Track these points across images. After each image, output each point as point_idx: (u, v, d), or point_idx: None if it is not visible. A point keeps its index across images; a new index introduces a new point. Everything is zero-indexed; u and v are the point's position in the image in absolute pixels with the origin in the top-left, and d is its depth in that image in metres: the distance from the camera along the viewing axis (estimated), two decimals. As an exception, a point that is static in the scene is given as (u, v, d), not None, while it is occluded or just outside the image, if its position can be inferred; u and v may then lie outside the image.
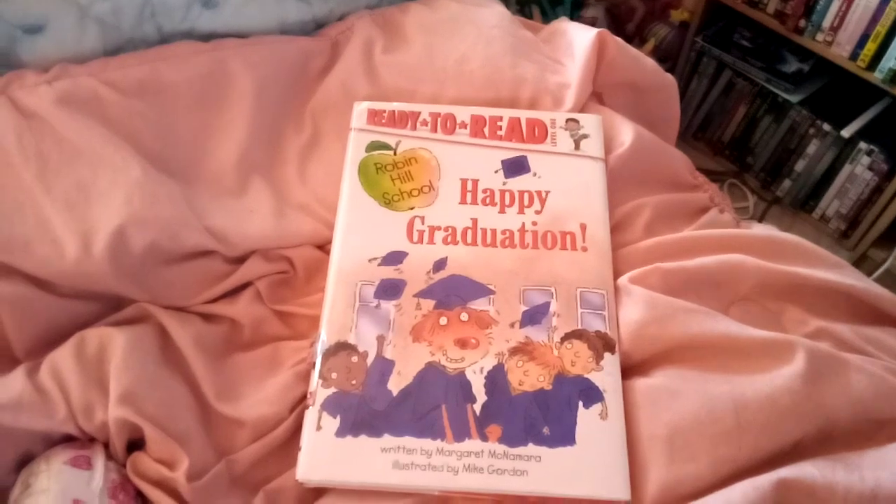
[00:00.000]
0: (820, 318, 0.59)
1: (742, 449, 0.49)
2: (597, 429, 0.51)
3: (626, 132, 0.67)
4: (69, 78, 0.58)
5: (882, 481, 0.47)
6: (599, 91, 0.72)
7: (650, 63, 0.74)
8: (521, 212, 0.61)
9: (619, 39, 0.72)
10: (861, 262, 1.44)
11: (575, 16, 1.64)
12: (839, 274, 0.60)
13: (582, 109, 0.68)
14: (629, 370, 0.55)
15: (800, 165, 1.50)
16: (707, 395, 0.51)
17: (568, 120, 0.66)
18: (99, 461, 0.47)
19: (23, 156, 0.54)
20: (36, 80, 0.58)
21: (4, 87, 0.57)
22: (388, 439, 0.50)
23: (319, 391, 0.52)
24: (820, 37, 1.35)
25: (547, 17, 1.62)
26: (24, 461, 0.48)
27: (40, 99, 0.57)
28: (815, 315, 0.59)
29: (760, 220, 1.55)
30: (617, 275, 0.59)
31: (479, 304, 0.56)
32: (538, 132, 0.65)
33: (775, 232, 0.65)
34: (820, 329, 0.58)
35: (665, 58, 1.65)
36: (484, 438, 0.50)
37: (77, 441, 0.49)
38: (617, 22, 1.73)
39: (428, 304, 0.56)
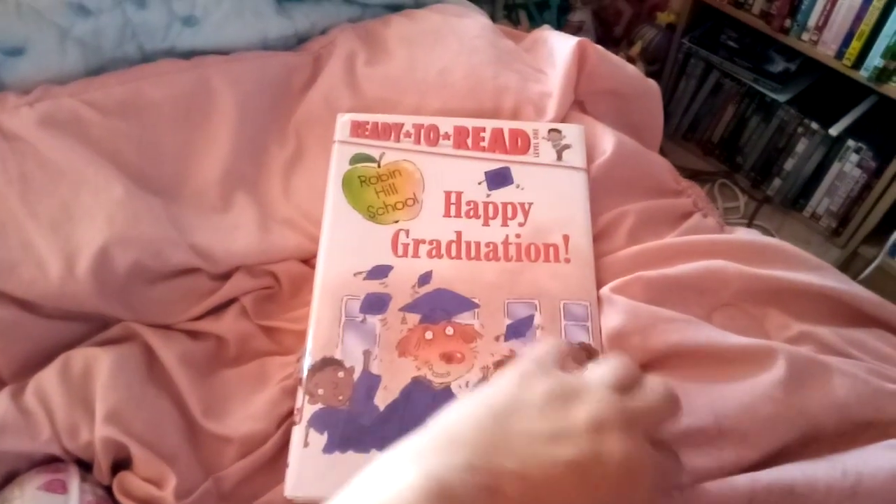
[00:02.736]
0: (802, 321, 0.59)
1: (724, 457, 0.49)
2: None
3: (608, 140, 0.67)
4: (50, 99, 0.59)
5: (863, 477, 0.47)
6: (582, 99, 0.72)
7: (632, 70, 0.75)
8: (504, 224, 0.61)
9: (599, 47, 0.72)
10: (852, 260, 1.45)
11: (562, 20, 1.64)
12: (821, 277, 0.61)
13: (564, 118, 0.69)
14: (613, 380, 0.55)
15: (789, 164, 1.51)
16: (689, 405, 0.51)
17: (550, 130, 0.66)
18: (74, 484, 0.47)
19: (6, 178, 0.55)
20: (17, 101, 0.58)
21: None
22: (375, 454, 0.50)
23: (306, 407, 0.52)
24: (805, 36, 1.36)
25: (534, 22, 1.62)
26: (8, 481, 0.48)
27: (22, 121, 0.57)
28: (798, 319, 0.59)
29: (751, 219, 1.56)
30: (600, 284, 0.59)
31: (464, 318, 0.56)
32: (521, 143, 0.65)
33: (757, 236, 0.66)
34: (802, 333, 0.58)
35: (653, 60, 1.66)
36: None
37: (51, 465, 0.49)
38: (604, 25, 1.74)
39: (413, 318, 0.56)
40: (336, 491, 0.49)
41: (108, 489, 0.51)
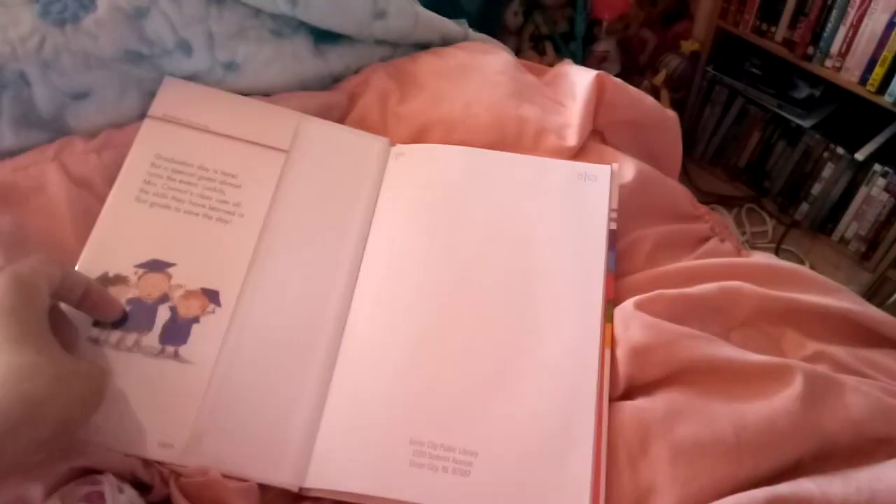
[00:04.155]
0: (818, 341, 0.61)
1: (742, 469, 0.52)
2: None
3: (628, 168, 0.70)
4: (113, 149, 0.64)
5: (878, 493, 0.49)
6: (601, 130, 0.76)
7: (649, 101, 0.78)
8: None
9: (617, 80, 0.75)
10: (882, 284, 1.44)
11: (587, 50, 1.68)
12: (836, 298, 0.63)
13: (583, 147, 0.72)
14: (633, 392, 0.57)
15: (816, 189, 1.51)
16: (708, 418, 0.54)
17: None
18: (111, 495, 0.49)
19: (73, 219, 0.60)
20: (85, 147, 0.64)
21: (57, 154, 0.63)
22: None
23: None
24: (828, 63, 1.38)
25: (560, 52, 1.66)
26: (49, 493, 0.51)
27: (90, 168, 0.63)
28: (813, 339, 0.61)
29: (779, 243, 1.56)
30: (620, 302, 0.62)
31: None
32: None
33: (774, 260, 0.68)
34: (818, 352, 0.60)
35: (677, 87, 1.69)
36: None
37: (89, 476, 0.51)
38: (629, 54, 1.77)
39: None
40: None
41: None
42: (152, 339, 0.56)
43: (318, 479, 0.53)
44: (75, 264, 0.58)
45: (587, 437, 0.54)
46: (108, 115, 0.65)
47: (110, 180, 0.61)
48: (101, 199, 0.61)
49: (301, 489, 0.53)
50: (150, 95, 0.65)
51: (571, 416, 0.55)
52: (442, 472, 0.52)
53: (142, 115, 0.64)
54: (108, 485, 0.50)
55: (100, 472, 0.52)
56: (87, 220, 0.60)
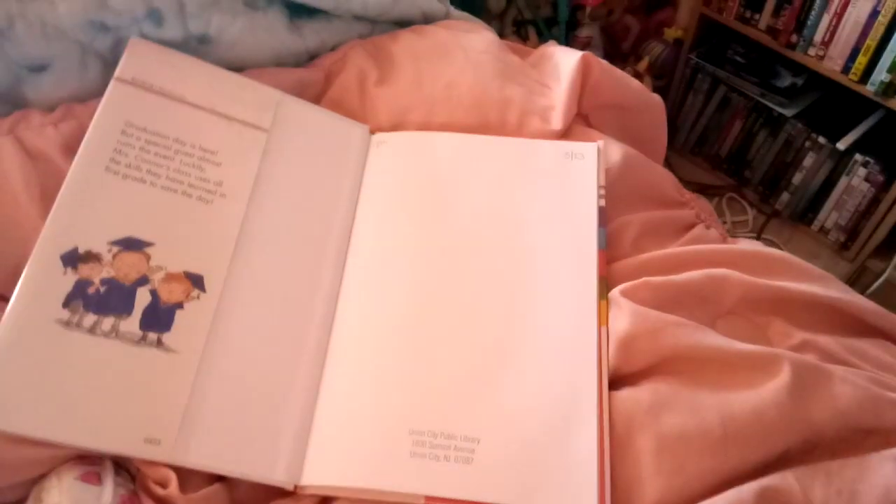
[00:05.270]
0: (805, 330, 0.60)
1: (728, 460, 0.50)
2: None
3: (614, 152, 0.68)
4: (73, 119, 0.61)
5: (859, 495, 0.48)
6: (586, 113, 0.74)
7: (635, 84, 0.76)
8: None
9: (603, 62, 0.73)
10: (861, 273, 1.44)
11: (570, 35, 1.66)
12: (823, 287, 0.62)
13: (567, 130, 0.70)
14: (618, 381, 0.56)
15: (797, 178, 1.51)
16: (695, 408, 0.53)
17: None
18: (108, 477, 0.49)
19: (28, 194, 0.56)
20: (42, 120, 0.60)
21: (12, 128, 0.59)
22: None
23: None
24: (812, 51, 1.37)
25: (542, 37, 1.64)
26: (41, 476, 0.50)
27: (46, 141, 0.59)
28: (800, 328, 0.60)
29: (760, 233, 1.56)
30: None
31: None
32: None
33: (760, 247, 0.67)
34: (805, 341, 0.59)
35: (660, 75, 1.68)
36: None
37: (87, 458, 0.50)
38: (612, 41, 1.76)
39: None
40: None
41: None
42: (132, 324, 0.51)
43: (314, 476, 0.51)
44: (35, 240, 0.54)
45: (590, 416, 0.52)
46: (69, 89, 0.62)
47: (70, 152, 0.57)
48: (61, 173, 0.57)
49: (297, 487, 0.51)
50: (115, 69, 0.62)
51: (573, 396, 0.53)
52: (444, 461, 0.51)
53: (105, 87, 0.61)
54: (106, 467, 0.49)
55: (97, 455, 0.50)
56: (45, 197, 0.56)
